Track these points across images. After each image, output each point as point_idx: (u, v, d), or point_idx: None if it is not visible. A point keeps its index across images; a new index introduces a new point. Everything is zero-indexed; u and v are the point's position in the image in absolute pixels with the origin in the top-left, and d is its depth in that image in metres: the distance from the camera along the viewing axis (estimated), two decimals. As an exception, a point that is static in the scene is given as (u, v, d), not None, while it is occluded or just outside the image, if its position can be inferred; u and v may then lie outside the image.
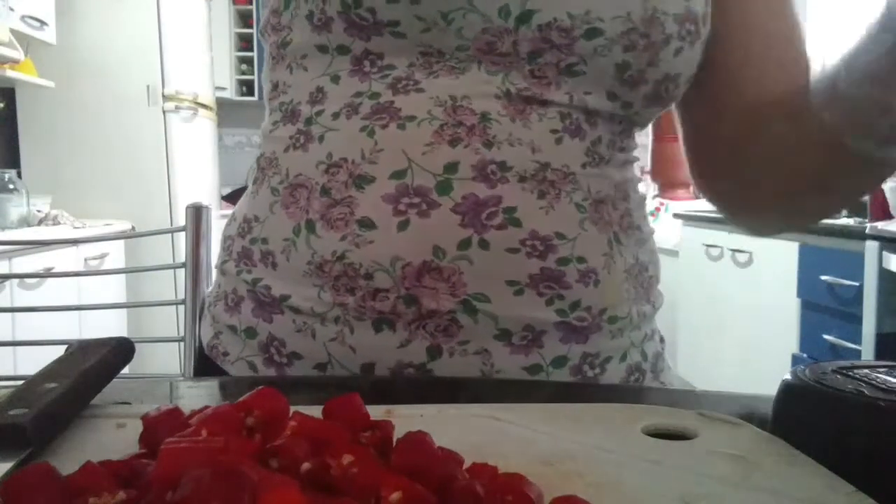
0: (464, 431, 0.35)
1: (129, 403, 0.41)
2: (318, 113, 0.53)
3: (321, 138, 0.53)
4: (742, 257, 2.78)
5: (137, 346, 0.46)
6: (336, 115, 0.52)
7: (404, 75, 0.52)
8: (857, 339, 2.14)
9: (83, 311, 1.99)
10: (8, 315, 1.87)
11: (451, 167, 0.49)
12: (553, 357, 0.52)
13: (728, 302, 2.86)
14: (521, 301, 0.50)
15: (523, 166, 0.50)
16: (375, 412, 0.33)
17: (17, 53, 2.55)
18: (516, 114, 0.52)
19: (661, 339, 0.65)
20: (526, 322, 0.51)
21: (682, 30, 0.54)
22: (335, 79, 0.53)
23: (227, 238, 0.60)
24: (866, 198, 2.45)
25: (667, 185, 3.75)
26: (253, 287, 0.55)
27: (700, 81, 0.60)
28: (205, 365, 0.60)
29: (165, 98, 2.98)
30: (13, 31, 2.50)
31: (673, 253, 3.22)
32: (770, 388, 0.38)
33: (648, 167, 3.79)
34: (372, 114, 0.51)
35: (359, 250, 0.50)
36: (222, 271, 0.60)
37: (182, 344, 1.16)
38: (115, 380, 0.43)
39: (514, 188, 0.50)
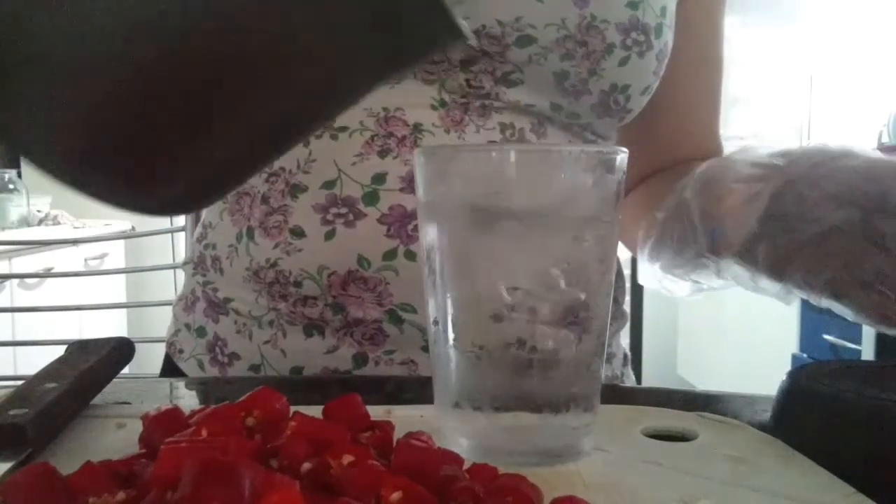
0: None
1: (129, 403, 0.41)
2: None
3: None
4: (742, 257, 2.77)
5: (137, 346, 0.46)
6: None
7: None
8: (857, 339, 2.14)
9: (83, 311, 1.98)
10: (8, 315, 1.87)
11: (379, 178, 0.50)
12: None
13: (728, 302, 2.85)
14: None
15: None
16: (375, 412, 0.33)
17: (18, 53, 2.55)
18: (452, 125, 0.52)
19: (626, 358, 0.66)
20: None
21: (626, 39, 0.53)
22: None
23: (193, 241, 0.62)
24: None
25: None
26: (204, 288, 0.58)
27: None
28: (168, 362, 0.62)
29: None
30: (13, 31, 2.49)
31: (673, 253, 3.22)
32: (770, 388, 0.38)
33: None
34: None
35: (289, 258, 0.51)
36: (185, 272, 0.63)
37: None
38: (115, 380, 0.43)
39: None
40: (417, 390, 0.47)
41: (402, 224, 0.49)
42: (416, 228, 0.49)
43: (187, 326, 0.60)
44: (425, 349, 0.51)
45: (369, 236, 0.49)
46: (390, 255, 0.49)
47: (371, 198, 0.50)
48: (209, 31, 0.23)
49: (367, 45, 0.25)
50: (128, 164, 0.27)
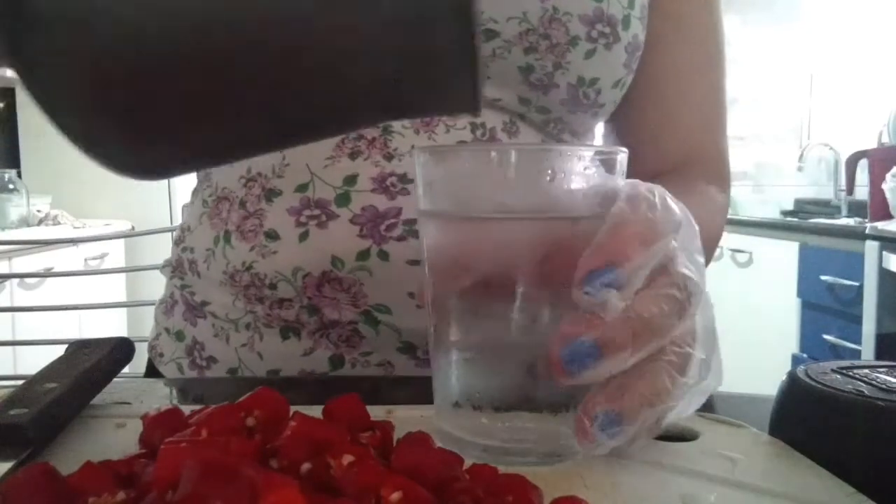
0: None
1: (128, 403, 0.41)
2: None
3: None
4: (742, 257, 2.78)
5: (137, 346, 0.46)
6: None
7: None
8: (857, 339, 2.14)
9: (83, 311, 1.98)
10: (8, 315, 1.87)
11: (351, 180, 0.50)
12: None
13: (728, 302, 2.85)
14: (424, 314, 0.50)
15: None
16: (375, 412, 0.33)
17: (17, 53, 2.55)
18: (422, 125, 0.51)
19: None
20: None
21: (591, 31, 0.52)
22: None
23: (172, 245, 0.63)
24: (866, 198, 2.45)
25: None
26: (182, 291, 0.58)
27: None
28: (152, 366, 0.62)
29: (165, 98, 2.97)
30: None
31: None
32: (770, 388, 0.38)
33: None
34: None
35: (264, 261, 0.51)
36: (164, 275, 0.63)
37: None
38: (114, 380, 0.43)
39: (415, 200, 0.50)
40: (394, 391, 0.47)
41: (374, 224, 0.49)
42: (388, 229, 0.49)
43: (167, 330, 0.60)
44: (401, 350, 0.51)
45: (342, 237, 0.49)
46: (363, 255, 0.49)
47: (343, 199, 0.50)
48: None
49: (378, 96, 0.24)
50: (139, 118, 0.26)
